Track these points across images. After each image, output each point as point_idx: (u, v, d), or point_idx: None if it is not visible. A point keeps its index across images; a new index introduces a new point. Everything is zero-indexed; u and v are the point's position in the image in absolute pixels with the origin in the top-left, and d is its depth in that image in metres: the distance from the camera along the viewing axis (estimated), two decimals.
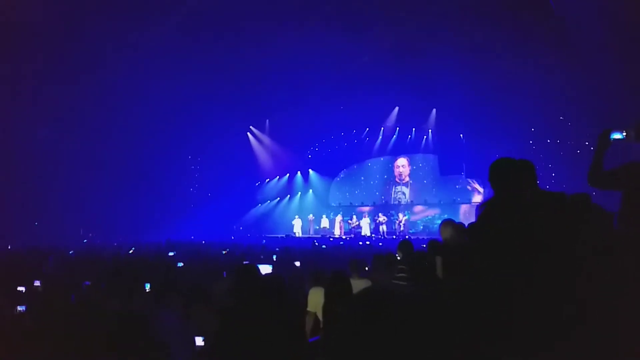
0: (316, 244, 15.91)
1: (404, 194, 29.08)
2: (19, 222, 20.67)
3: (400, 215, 26.41)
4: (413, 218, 27.49)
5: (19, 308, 5.11)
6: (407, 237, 21.37)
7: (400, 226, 25.79)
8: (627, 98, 14.91)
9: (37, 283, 6.80)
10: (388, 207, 28.21)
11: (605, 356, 2.24)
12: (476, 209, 3.11)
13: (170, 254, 12.46)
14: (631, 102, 14.51)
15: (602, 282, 2.66)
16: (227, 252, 13.43)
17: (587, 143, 18.78)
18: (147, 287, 6.10)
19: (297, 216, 28.00)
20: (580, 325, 2.31)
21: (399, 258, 6.44)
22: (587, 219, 3.47)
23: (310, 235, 25.97)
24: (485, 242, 2.95)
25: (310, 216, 28.37)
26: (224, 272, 8.25)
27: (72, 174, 23.01)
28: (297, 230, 27.17)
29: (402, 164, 29.33)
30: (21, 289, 6.44)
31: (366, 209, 28.89)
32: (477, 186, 25.96)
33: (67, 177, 22.81)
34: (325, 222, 27.88)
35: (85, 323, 3.89)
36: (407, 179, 29.16)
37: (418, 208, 27.93)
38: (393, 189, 29.41)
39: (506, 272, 2.66)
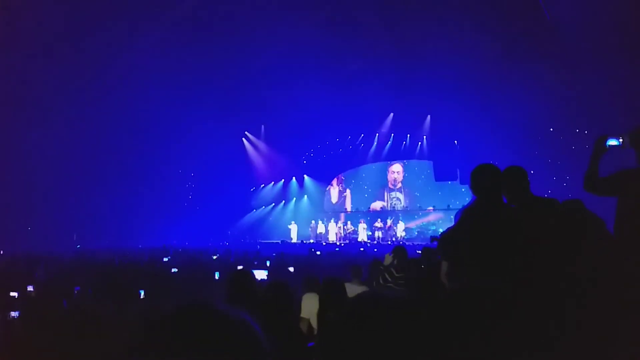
0: (312, 250, 15.87)
1: (398, 199, 29.14)
2: (11, 227, 20.53)
3: (389, 220, 26.50)
4: (413, 224, 27.47)
5: (12, 314, 5.06)
6: (400, 243, 21.46)
7: (392, 232, 25.90)
8: (621, 103, 15.01)
9: (30, 288, 6.74)
10: (384, 213, 28.28)
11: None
12: (455, 215, 3.14)
13: (165, 259, 12.42)
14: (624, 108, 14.59)
15: (595, 287, 2.67)
16: (218, 257, 13.44)
17: (572, 148, 18.83)
18: (142, 293, 6.06)
19: (292, 222, 28.00)
20: (571, 331, 2.31)
21: (394, 263, 6.43)
22: (579, 224, 3.48)
23: (306, 242, 25.93)
24: (456, 248, 2.98)
25: (313, 223, 28.37)
26: (216, 273, 8.24)
27: (66, 179, 22.89)
28: (294, 235, 27.18)
29: (396, 170, 29.42)
30: (14, 294, 6.38)
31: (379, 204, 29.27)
32: None
33: (60, 182, 22.67)
34: (321, 228, 27.88)
35: (78, 329, 3.86)
36: (400, 184, 29.26)
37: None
38: (387, 195, 29.48)
39: (478, 275, 2.67)
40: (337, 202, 31.24)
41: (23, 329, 4.32)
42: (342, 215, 30.02)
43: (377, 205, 29.70)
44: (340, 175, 31.22)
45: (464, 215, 3.07)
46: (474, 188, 3.06)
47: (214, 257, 13.45)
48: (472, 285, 2.65)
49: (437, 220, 26.93)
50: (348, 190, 31.04)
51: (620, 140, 3.59)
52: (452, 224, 3.31)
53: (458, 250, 2.99)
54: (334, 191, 31.45)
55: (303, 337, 3.18)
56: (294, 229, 27.44)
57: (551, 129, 20.36)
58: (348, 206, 30.85)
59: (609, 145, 3.61)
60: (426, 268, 5.62)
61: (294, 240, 26.77)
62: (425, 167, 28.35)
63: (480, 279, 2.65)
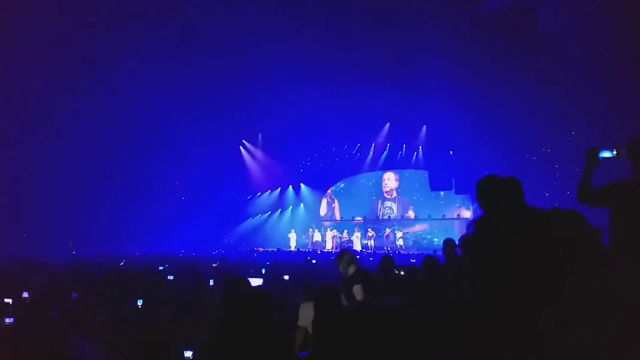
0: (308, 258, 15.86)
1: (391, 209, 29.13)
2: (6, 233, 20.43)
3: (388, 229, 26.50)
4: (407, 231, 27.43)
5: (7, 320, 5.06)
6: (397, 252, 21.50)
7: (389, 240, 25.91)
8: (618, 112, 15.10)
9: (25, 295, 6.72)
10: (377, 222, 28.27)
11: None
12: (466, 227, 3.14)
13: (160, 267, 12.37)
14: (621, 116, 14.68)
15: (590, 300, 2.68)
16: (217, 265, 13.40)
17: (568, 157, 18.89)
18: (140, 302, 6.05)
19: (292, 230, 27.99)
20: (567, 345, 2.33)
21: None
22: (576, 236, 3.50)
23: (302, 250, 25.91)
24: (478, 260, 2.98)
25: (310, 231, 28.36)
26: (211, 280, 8.23)
27: (62, 185, 22.82)
28: (292, 244, 27.17)
29: (391, 179, 29.44)
30: (8, 300, 6.36)
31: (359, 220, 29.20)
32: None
33: (56, 189, 22.61)
34: (317, 236, 27.86)
35: (73, 336, 3.86)
36: (394, 193, 29.26)
37: (419, 227, 27.88)
38: (381, 204, 29.47)
39: (498, 290, 2.67)
40: (325, 214, 31.29)
41: (18, 335, 4.32)
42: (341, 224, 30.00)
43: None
44: (329, 190, 31.29)
45: (478, 227, 3.06)
46: (481, 200, 3.05)
47: (214, 265, 13.46)
48: (472, 297, 2.67)
49: (432, 230, 26.95)
50: (336, 201, 31.05)
51: (614, 152, 3.61)
52: (447, 234, 3.33)
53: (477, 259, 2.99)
54: (323, 203, 31.48)
55: (290, 345, 3.17)
56: (293, 238, 27.43)
57: (546, 142, 20.43)
58: (337, 216, 30.84)
59: (602, 157, 3.63)
60: (427, 277, 5.60)
61: (292, 248, 26.76)
62: (420, 177, 28.40)
63: (485, 291, 2.66)
